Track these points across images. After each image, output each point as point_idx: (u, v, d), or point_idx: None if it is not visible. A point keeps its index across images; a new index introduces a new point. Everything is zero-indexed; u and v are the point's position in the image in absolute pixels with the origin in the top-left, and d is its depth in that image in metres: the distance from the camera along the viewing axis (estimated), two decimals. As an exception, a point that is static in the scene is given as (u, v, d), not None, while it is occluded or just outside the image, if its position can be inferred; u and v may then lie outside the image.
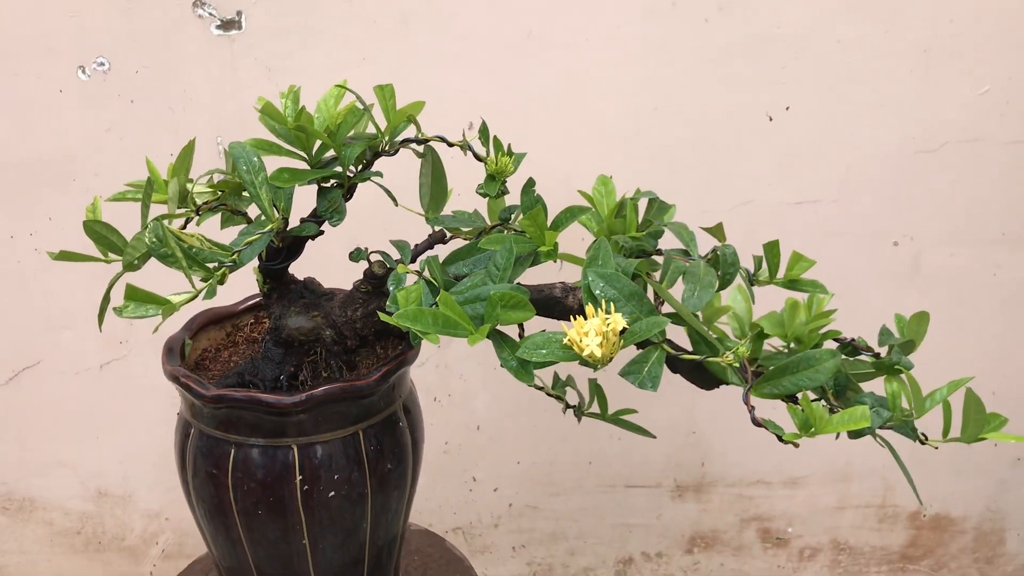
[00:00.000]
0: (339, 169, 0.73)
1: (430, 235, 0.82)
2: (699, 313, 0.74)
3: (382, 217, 0.89)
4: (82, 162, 1.20)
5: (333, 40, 1.17)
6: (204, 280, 0.68)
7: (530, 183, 0.76)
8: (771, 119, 1.21)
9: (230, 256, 0.67)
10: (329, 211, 0.72)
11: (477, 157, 0.77)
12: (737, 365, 0.70)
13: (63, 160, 1.19)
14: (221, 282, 0.68)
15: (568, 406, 0.84)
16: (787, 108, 1.20)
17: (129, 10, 1.15)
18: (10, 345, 1.31)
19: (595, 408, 0.84)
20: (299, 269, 0.81)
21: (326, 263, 0.88)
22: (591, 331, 0.64)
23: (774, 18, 1.16)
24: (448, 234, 0.82)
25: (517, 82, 1.18)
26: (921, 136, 1.21)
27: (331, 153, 0.74)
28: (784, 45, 1.17)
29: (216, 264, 0.67)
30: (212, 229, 0.81)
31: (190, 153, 0.75)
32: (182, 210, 0.74)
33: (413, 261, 0.78)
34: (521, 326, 0.72)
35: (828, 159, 1.22)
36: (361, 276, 0.79)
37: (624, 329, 0.65)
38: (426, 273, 0.73)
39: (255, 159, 0.69)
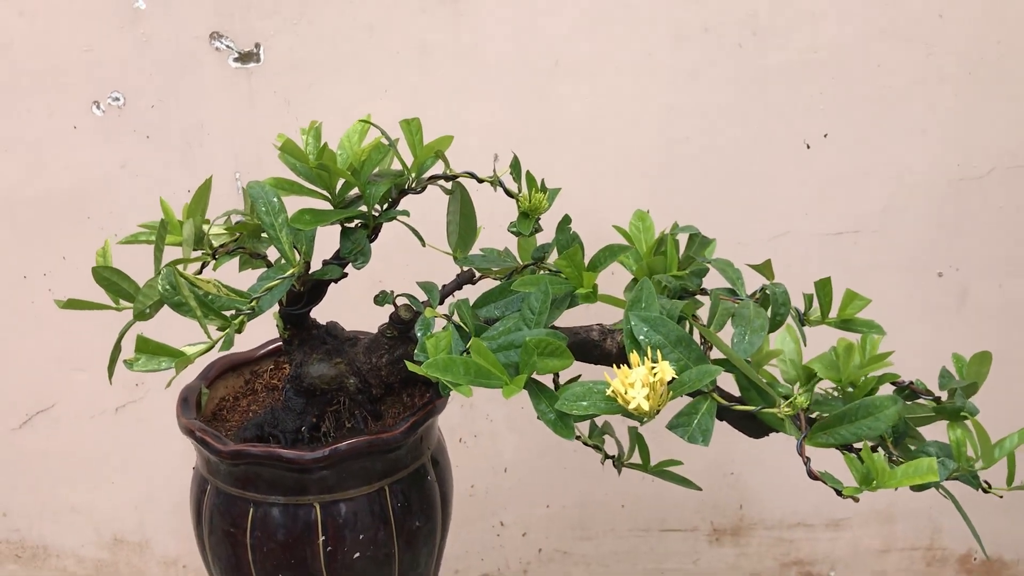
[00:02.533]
0: (364, 209, 0.68)
1: (458, 275, 0.77)
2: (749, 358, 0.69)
3: (407, 256, 0.85)
4: (96, 200, 1.17)
5: (354, 72, 1.13)
6: (221, 329, 0.63)
7: (566, 220, 0.71)
8: (808, 147, 1.16)
9: (248, 303, 0.63)
10: (353, 253, 0.68)
11: (509, 194, 0.73)
12: (793, 415, 0.64)
13: (77, 198, 1.16)
14: (239, 331, 0.64)
15: (606, 456, 0.79)
16: (825, 135, 1.16)
17: (144, 43, 1.11)
18: (24, 388, 1.27)
19: (636, 458, 0.79)
20: (321, 311, 0.77)
21: (349, 305, 0.83)
22: (637, 382, 0.59)
23: (810, 42, 1.11)
24: (478, 274, 0.77)
25: (543, 113, 1.14)
26: (966, 162, 1.16)
27: (355, 191, 0.70)
28: (821, 69, 1.12)
29: (233, 312, 0.63)
30: (230, 272, 0.77)
31: (206, 192, 0.72)
32: (198, 253, 0.69)
33: (441, 303, 0.74)
34: (557, 374, 0.67)
35: (868, 187, 1.17)
36: (386, 320, 0.75)
37: (672, 379, 0.60)
38: (456, 317, 0.69)
39: (275, 200, 0.65)
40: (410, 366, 0.63)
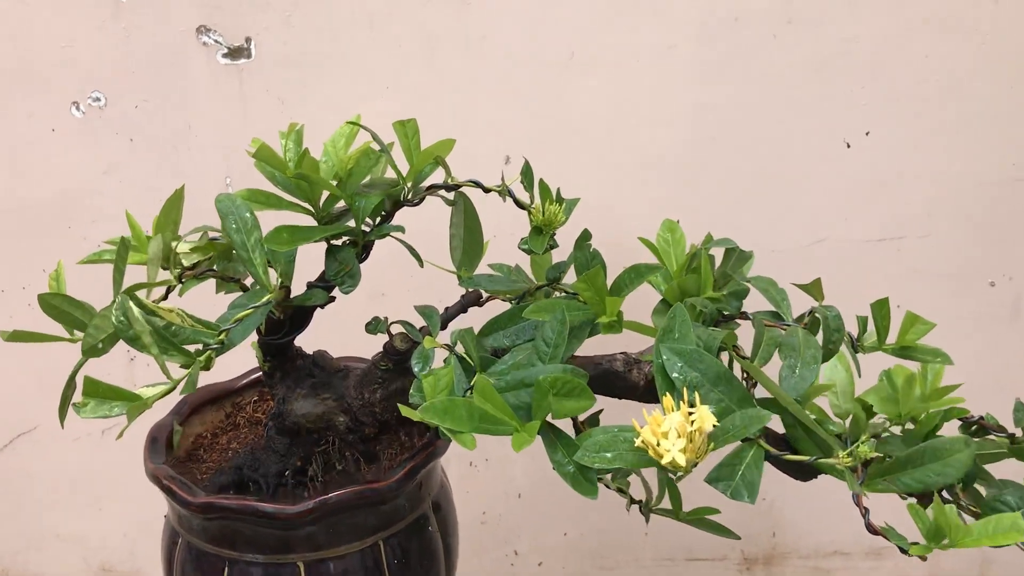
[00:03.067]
0: (352, 224, 0.59)
1: (463, 297, 0.68)
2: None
3: (406, 272, 0.76)
4: (78, 207, 1.09)
5: (353, 68, 1.04)
6: (185, 367, 0.54)
7: (585, 236, 0.62)
8: (848, 146, 1.06)
9: (216, 336, 0.54)
10: (340, 275, 0.59)
11: (520, 205, 0.64)
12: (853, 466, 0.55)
13: (57, 206, 1.08)
14: (206, 367, 0.55)
15: (632, 501, 0.69)
16: (867, 133, 1.06)
17: (127, 39, 1.03)
18: (4, 410, 1.19)
19: (665, 502, 0.70)
20: (314, 331, 0.68)
21: (346, 324, 0.74)
22: (671, 430, 0.50)
23: (852, 31, 1.01)
24: (485, 295, 0.68)
25: (558, 111, 1.05)
26: (1021, 162, 1.06)
27: (342, 204, 0.61)
28: (863, 62, 1.03)
29: (200, 346, 0.54)
30: (207, 297, 0.68)
31: (178, 204, 0.63)
32: (166, 275, 0.61)
33: (444, 328, 0.65)
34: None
35: (914, 190, 1.08)
36: (381, 348, 0.66)
37: (713, 427, 0.51)
38: (459, 348, 0.59)
39: (247, 215, 0.56)
40: (404, 410, 0.54)
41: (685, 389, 0.53)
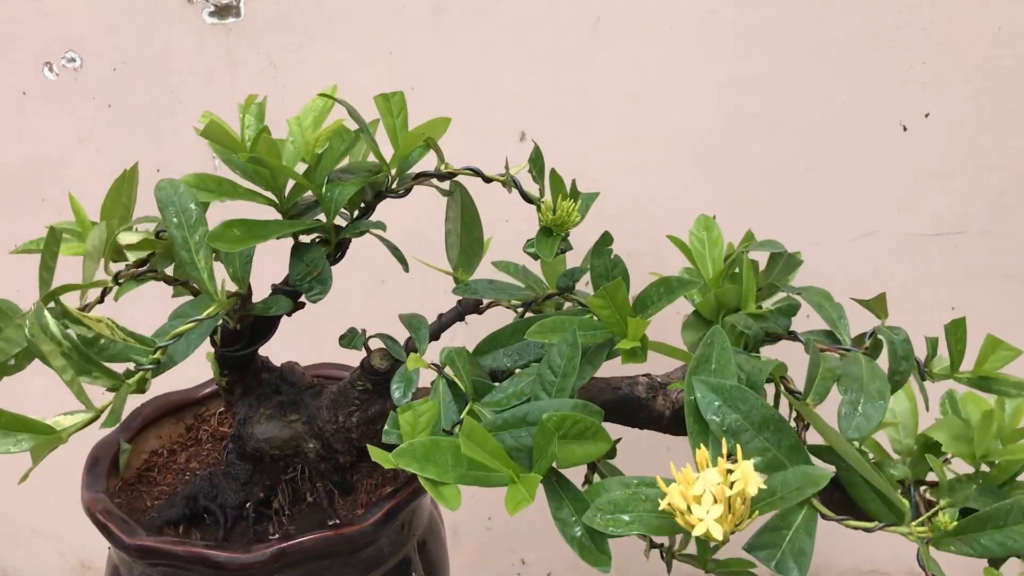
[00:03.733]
0: (322, 218, 0.49)
1: (459, 304, 0.58)
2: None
3: (410, 256, 0.66)
4: (51, 179, 1.01)
5: (352, 30, 0.94)
6: (111, 389, 0.45)
7: (605, 240, 0.51)
8: (905, 128, 0.95)
9: (151, 355, 0.44)
10: (307, 279, 0.49)
11: (527, 198, 0.53)
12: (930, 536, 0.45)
13: (28, 177, 1.00)
14: (139, 390, 0.45)
15: (653, 545, 0.59)
16: (926, 115, 0.95)
17: (103, -6, 0.93)
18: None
19: (691, 547, 0.60)
20: (299, 320, 0.58)
21: (338, 316, 0.64)
22: (706, 493, 0.40)
23: (913, -1, 0.90)
24: (485, 301, 0.58)
25: (580, 82, 0.94)
26: (1100, 151, 0.95)
27: (312, 194, 0.51)
28: (924, 34, 0.91)
29: (132, 366, 0.44)
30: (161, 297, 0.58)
31: (129, 186, 0.54)
32: (102, 276, 0.51)
33: (436, 339, 0.54)
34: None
35: (976, 179, 0.97)
36: (359, 364, 0.55)
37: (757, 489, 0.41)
38: (448, 371, 0.49)
39: (191, 206, 0.46)
40: (373, 452, 0.43)
41: (723, 438, 0.43)
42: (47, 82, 0.97)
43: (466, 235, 0.56)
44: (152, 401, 0.63)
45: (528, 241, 0.51)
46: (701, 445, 0.43)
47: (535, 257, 0.51)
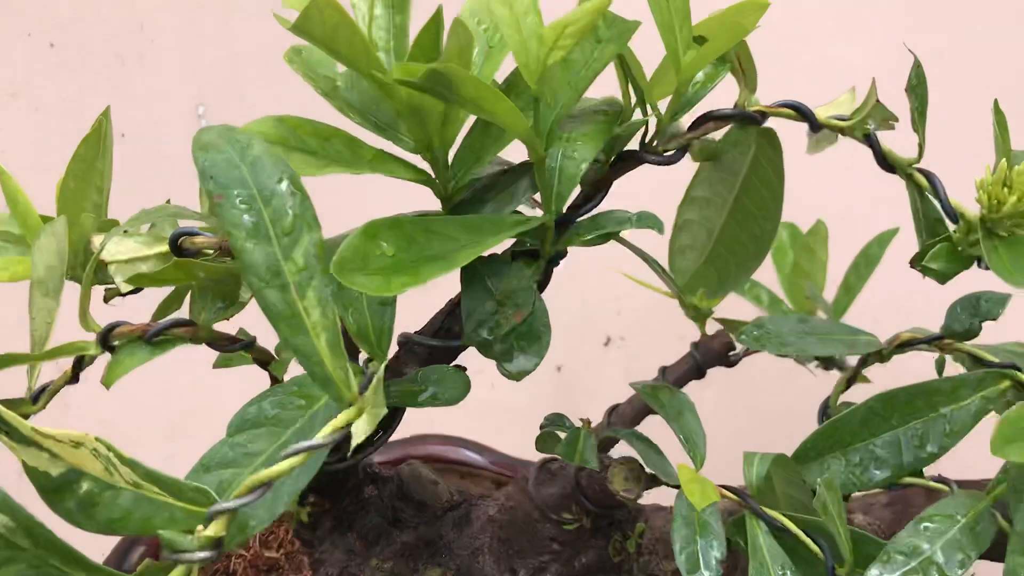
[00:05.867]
0: (536, 212, 0.24)
1: (696, 350, 0.34)
2: None
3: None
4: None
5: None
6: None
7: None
8: None
9: (202, 530, 0.18)
10: (500, 334, 0.24)
11: (891, 164, 0.28)
12: None
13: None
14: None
15: None
16: None
17: None
18: None
19: None
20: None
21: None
22: None
23: None
24: (740, 348, 0.33)
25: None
26: None
27: (492, 166, 0.26)
28: None
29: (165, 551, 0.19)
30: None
31: (100, 149, 0.34)
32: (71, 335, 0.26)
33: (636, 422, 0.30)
34: None
35: None
36: (547, 465, 0.31)
37: None
38: (766, 510, 0.24)
39: (280, 187, 0.21)
40: None
41: None
42: (-40, 12, 0.74)
43: (733, 231, 0.31)
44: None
45: (925, 252, 0.26)
46: None
47: (941, 278, 0.27)
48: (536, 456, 0.47)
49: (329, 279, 0.21)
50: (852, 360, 0.39)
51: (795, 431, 0.47)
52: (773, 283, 0.43)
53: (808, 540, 0.26)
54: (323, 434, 0.20)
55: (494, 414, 0.56)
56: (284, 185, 0.22)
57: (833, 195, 0.58)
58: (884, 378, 0.38)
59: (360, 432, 0.20)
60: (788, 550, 0.27)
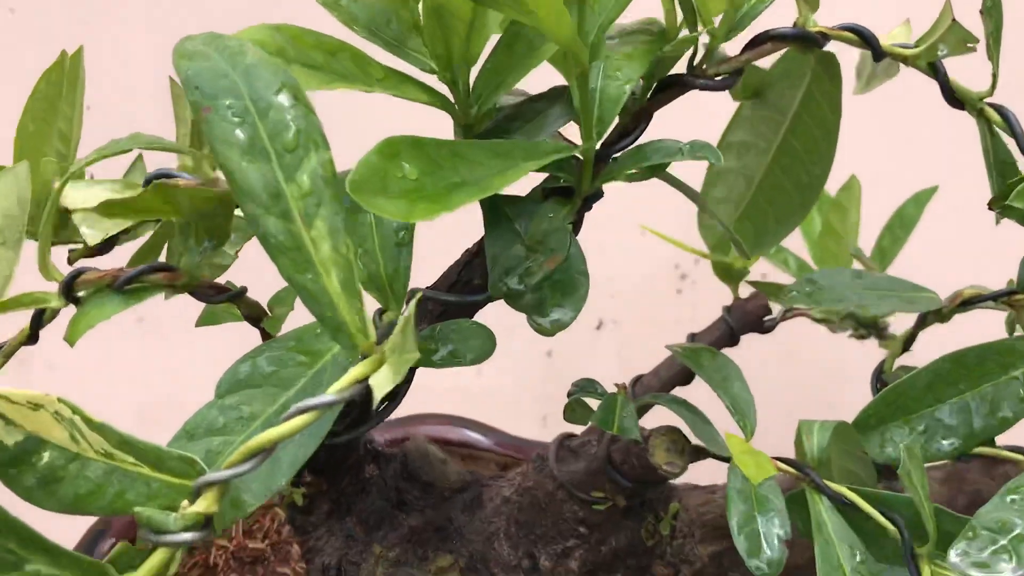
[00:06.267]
0: (571, 141, 0.21)
1: (728, 314, 0.30)
2: None
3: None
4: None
5: None
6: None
7: None
8: None
9: (189, 503, 0.15)
10: (531, 283, 0.20)
11: (961, 100, 0.25)
12: None
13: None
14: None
15: None
16: None
17: None
18: None
19: None
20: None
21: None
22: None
23: None
24: (778, 312, 0.30)
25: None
26: None
27: (513, 95, 0.22)
28: None
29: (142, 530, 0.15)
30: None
31: (69, 83, 0.28)
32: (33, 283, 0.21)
33: (687, 382, 0.27)
34: None
35: None
36: (568, 437, 0.27)
37: None
38: (830, 484, 0.21)
39: (280, 100, 0.17)
40: None
41: None
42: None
43: (777, 178, 0.28)
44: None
45: (1017, 184, 0.23)
46: None
47: (1019, 217, 0.23)
48: (535, 439, 0.43)
49: (339, 207, 0.18)
50: (894, 328, 0.36)
51: (833, 401, 0.44)
52: (798, 248, 0.40)
53: (879, 516, 0.23)
54: (337, 388, 0.17)
55: (482, 401, 0.52)
56: (284, 97, 0.18)
57: (864, 151, 0.55)
58: (922, 350, 0.34)
59: (383, 384, 0.16)
60: (853, 527, 0.24)
